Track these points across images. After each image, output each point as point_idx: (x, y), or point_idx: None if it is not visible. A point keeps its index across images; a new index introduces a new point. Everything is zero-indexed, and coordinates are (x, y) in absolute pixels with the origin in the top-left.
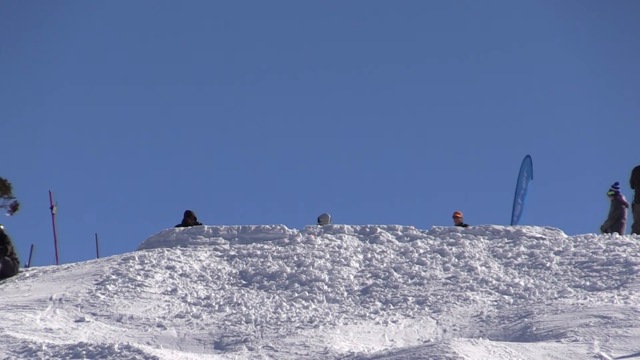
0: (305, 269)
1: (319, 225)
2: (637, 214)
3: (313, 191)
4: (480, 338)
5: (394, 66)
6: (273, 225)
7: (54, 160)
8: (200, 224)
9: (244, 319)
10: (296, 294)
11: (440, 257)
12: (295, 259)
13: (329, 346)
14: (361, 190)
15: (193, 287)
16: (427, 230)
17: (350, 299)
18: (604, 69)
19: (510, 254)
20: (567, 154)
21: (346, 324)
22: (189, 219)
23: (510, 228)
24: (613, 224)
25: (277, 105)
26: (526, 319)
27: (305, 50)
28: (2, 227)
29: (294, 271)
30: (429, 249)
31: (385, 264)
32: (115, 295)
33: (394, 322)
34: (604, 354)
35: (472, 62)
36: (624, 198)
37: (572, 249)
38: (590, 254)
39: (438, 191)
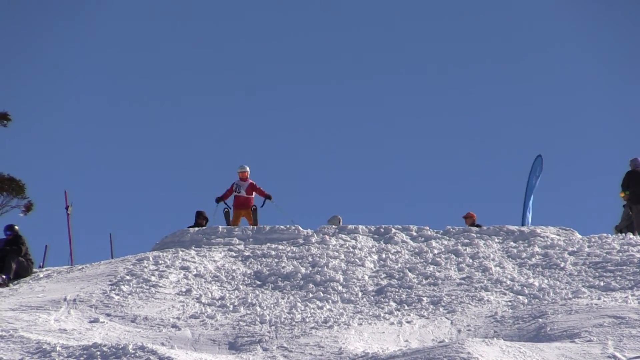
0: (319, 269)
1: (333, 226)
2: (636, 214)
3: (328, 192)
4: (495, 338)
5: (407, 69)
6: (287, 226)
7: (69, 160)
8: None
9: (258, 320)
10: (311, 295)
11: (454, 257)
12: (310, 259)
13: (344, 346)
14: (376, 191)
15: (207, 288)
16: (441, 231)
17: (364, 299)
18: (619, 68)
19: (524, 255)
20: (582, 154)
21: (361, 324)
22: (200, 220)
23: (524, 229)
24: (628, 225)
25: (291, 105)
26: (540, 319)
27: (322, 49)
28: (16, 227)
29: (308, 271)
30: (443, 250)
31: (399, 265)
32: (129, 296)
33: (408, 322)
34: (617, 354)
35: (486, 63)
36: None
37: (586, 249)
38: (605, 254)
39: (452, 192)
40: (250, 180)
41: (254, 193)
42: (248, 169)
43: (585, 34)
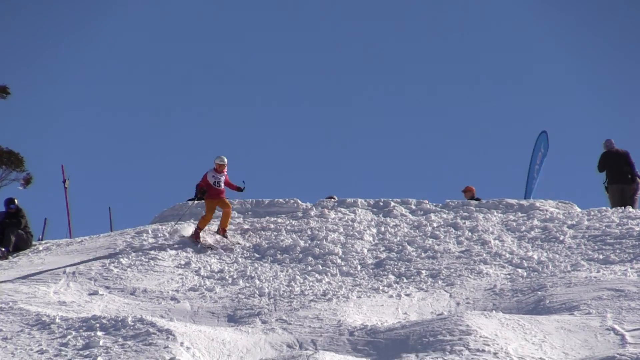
0: (318, 242)
1: (332, 199)
2: (612, 195)
3: (327, 165)
4: (494, 311)
5: (408, 43)
6: (286, 199)
7: (66, 134)
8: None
9: (257, 292)
10: (310, 268)
11: (453, 230)
12: (309, 232)
13: (343, 319)
14: (375, 164)
15: (206, 261)
16: (440, 204)
17: (363, 272)
18: (621, 45)
19: (523, 228)
20: (581, 127)
21: (360, 297)
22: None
23: (523, 202)
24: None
25: (295, 79)
26: (539, 292)
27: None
28: (15, 200)
29: (307, 245)
30: (442, 223)
31: (398, 238)
32: (128, 269)
33: (407, 295)
34: (616, 327)
35: (489, 38)
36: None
37: (586, 222)
38: (604, 227)
39: (451, 165)
40: (226, 172)
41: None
42: (226, 160)
43: (585, 10)
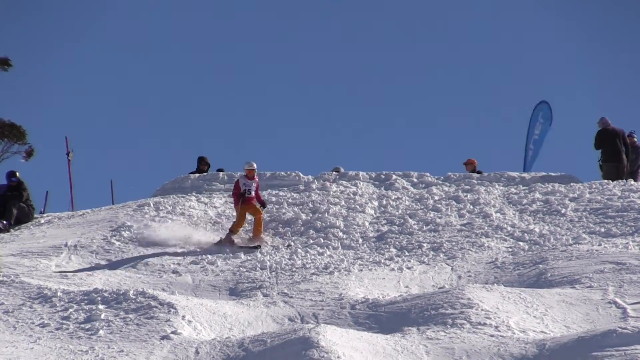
0: (320, 215)
1: (334, 172)
2: (606, 172)
3: (328, 138)
4: (495, 284)
5: (408, 17)
6: (288, 172)
7: (70, 107)
8: (223, 170)
9: (259, 266)
10: (311, 241)
11: (455, 203)
12: (311, 205)
13: (344, 292)
14: (377, 137)
15: (208, 234)
16: (442, 177)
17: (365, 245)
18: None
19: (525, 201)
20: (584, 100)
21: (361, 270)
22: (202, 166)
23: (525, 175)
24: (633, 171)
25: (292, 52)
26: (541, 265)
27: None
28: (17, 173)
29: (309, 218)
30: (444, 196)
31: (400, 211)
32: (130, 242)
33: (408, 268)
34: (618, 300)
35: (488, 10)
36: None
37: (587, 195)
38: (605, 200)
39: (453, 138)
40: (257, 179)
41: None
42: (255, 165)
43: None
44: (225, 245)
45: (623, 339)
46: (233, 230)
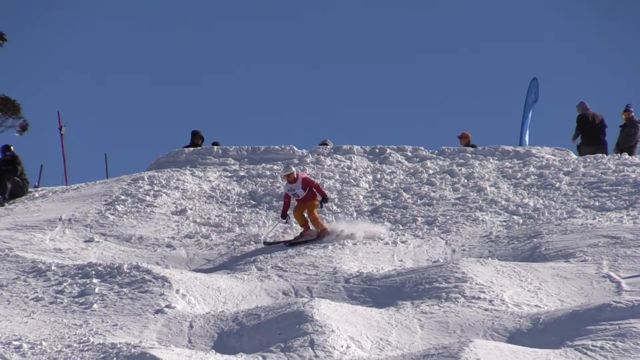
0: None
1: (328, 146)
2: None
3: (323, 112)
4: (489, 258)
5: None
6: (282, 146)
7: (63, 81)
8: (217, 144)
9: (253, 240)
10: (305, 214)
11: (449, 177)
12: None
13: (338, 266)
14: (371, 111)
15: (202, 208)
16: (436, 151)
17: (359, 219)
18: None
19: (519, 175)
20: (578, 72)
21: (355, 244)
22: (196, 139)
23: (519, 149)
24: (630, 145)
25: (285, 23)
26: (535, 239)
27: None
28: (11, 147)
29: None
30: (438, 170)
31: (394, 185)
32: (124, 216)
33: (403, 242)
34: (612, 274)
35: None
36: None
37: (582, 169)
38: (600, 174)
39: (447, 112)
40: (302, 176)
41: (308, 188)
42: (294, 169)
43: None
44: (307, 237)
45: (617, 312)
46: (303, 225)
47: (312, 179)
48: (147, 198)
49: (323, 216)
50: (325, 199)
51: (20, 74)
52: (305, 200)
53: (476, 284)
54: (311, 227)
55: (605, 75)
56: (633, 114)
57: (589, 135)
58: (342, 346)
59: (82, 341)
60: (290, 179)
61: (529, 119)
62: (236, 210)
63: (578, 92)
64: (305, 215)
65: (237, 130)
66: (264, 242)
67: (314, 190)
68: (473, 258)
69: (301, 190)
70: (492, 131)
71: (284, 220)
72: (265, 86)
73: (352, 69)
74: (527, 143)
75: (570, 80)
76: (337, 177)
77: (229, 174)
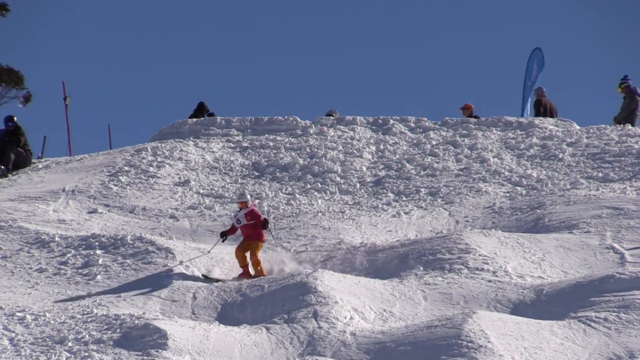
0: (317, 160)
1: (331, 117)
2: None
3: (326, 83)
4: (493, 229)
5: None
6: (286, 117)
7: (67, 51)
8: (213, 115)
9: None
10: (309, 186)
11: (452, 148)
12: (308, 150)
13: (342, 237)
14: (374, 82)
15: (205, 179)
16: (439, 122)
17: (362, 190)
18: None
19: (522, 146)
20: (581, 44)
21: (359, 215)
22: (201, 112)
23: (522, 120)
24: (627, 116)
25: None
26: (538, 210)
27: None
28: (15, 118)
29: (306, 162)
30: (441, 141)
31: (397, 156)
32: (128, 187)
33: (406, 213)
34: (616, 245)
35: None
36: (638, 90)
37: (585, 140)
38: (603, 145)
39: (451, 83)
40: (251, 207)
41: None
42: (248, 197)
43: None
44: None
45: (621, 284)
46: (240, 262)
47: (260, 213)
48: (151, 169)
49: (326, 187)
50: (265, 224)
51: (24, 44)
52: (251, 238)
53: (480, 255)
54: (250, 269)
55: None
56: (630, 83)
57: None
58: (345, 317)
59: (85, 312)
60: (243, 206)
61: (531, 89)
62: (239, 181)
63: (581, 61)
64: (247, 256)
65: (240, 101)
66: (202, 275)
67: (257, 223)
68: (476, 229)
69: (243, 218)
70: (495, 102)
71: (222, 240)
72: (268, 55)
73: (355, 38)
74: (528, 114)
75: (574, 49)
76: (340, 148)
77: (232, 145)
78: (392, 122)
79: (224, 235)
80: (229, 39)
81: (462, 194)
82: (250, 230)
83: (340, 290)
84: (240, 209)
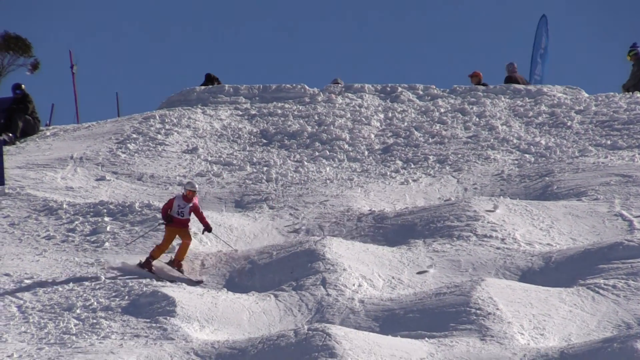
0: (326, 127)
1: (339, 85)
2: None
3: (334, 50)
4: (501, 197)
5: None
6: (294, 85)
7: (74, 19)
8: (216, 78)
9: (264, 178)
10: (317, 153)
11: (461, 116)
12: (316, 118)
13: (350, 205)
14: (382, 49)
15: (214, 146)
16: (447, 90)
17: (371, 157)
18: None
19: (531, 113)
20: (591, 11)
21: (367, 182)
22: (210, 82)
23: (531, 87)
24: (636, 83)
25: None
26: (547, 178)
27: None
28: (22, 86)
29: (314, 130)
30: (449, 108)
31: (406, 123)
32: (136, 154)
33: (414, 181)
34: (624, 213)
35: None
36: None
37: (593, 108)
38: (612, 112)
39: (458, 51)
40: (196, 201)
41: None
42: (197, 187)
43: None
44: (143, 270)
45: (629, 251)
46: (153, 254)
47: (199, 207)
48: (159, 136)
49: (335, 155)
50: (208, 229)
51: (32, 12)
52: (186, 226)
53: (488, 222)
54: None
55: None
56: (639, 50)
57: None
58: (354, 285)
59: (93, 279)
60: (190, 195)
61: (545, 57)
62: (247, 148)
63: (590, 29)
64: (175, 243)
65: (248, 69)
66: (139, 264)
67: (198, 217)
68: (485, 196)
69: (187, 211)
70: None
71: (165, 222)
72: (276, 22)
73: (364, 5)
74: (536, 81)
75: (583, 16)
76: (349, 115)
77: (240, 113)
78: (400, 90)
79: (169, 218)
80: (237, 6)
81: (471, 162)
82: (185, 225)
83: (349, 257)
84: (184, 199)
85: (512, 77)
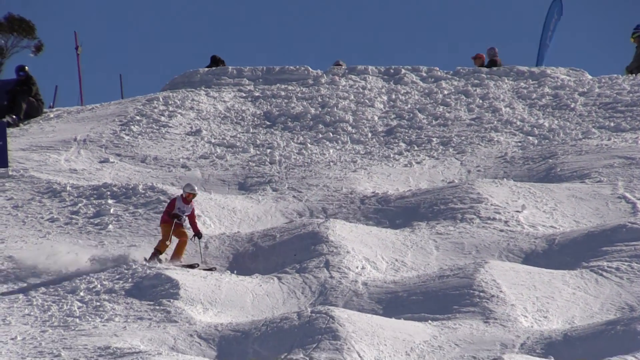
0: (329, 110)
1: (343, 67)
2: None
3: (337, 31)
4: (505, 179)
5: None
6: (297, 67)
7: (79, 0)
8: (225, 65)
9: (268, 160)
10: (320, 135)
11: (464, 98)
12: (320, 100)
13: (353, 187)
14: (385, 30)
15: (217, 128)
16: (451, 72)
17: (374, 140)
18: None
19: (534, 95)
20: None
21: (370, 165)
22: (216, 65)
23: (534, 69)
24: (639, 65)
25: None
26: (550, 160)
27: None
28: (26, 67)
29: (318, 112)
30: (453, 90)
31: (409, 105)
32: (139, 136)
33: (418, 163)
34: (628, 195)
35: None
36: None
37: (597, 90)
38: (615, 95)
39: (462, 33)
40: (194, 204)
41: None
42: (197, 191)
43: None
44: (150, 261)
45: (632, 233)
46: (159, 248)
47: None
48: (162, 118)
49: (338, 137)
50: (199, 235)
51: None
52: (181, 226)
53: (491, 204)
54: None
55: None
56: None
57: None
58: (357, 267)
59: (97, 262)
60: (189, 198)
61: (552, 39)
62: (251, 130)
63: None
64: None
65: (251, 51)
66: (145, 259)
67: (191, 221)
68: (488, 179)
69: (187, 214)
70: (506, 52)
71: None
72: (279, 3)
73: None
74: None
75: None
76: (352, 97)
77: (244, 95)
78: (404, 72)
79: (178, 217)
80: None
81: (474, 144)
82: (181, 225)
83: (352, 240)
84: (184, 201)
85: (494, 60)
